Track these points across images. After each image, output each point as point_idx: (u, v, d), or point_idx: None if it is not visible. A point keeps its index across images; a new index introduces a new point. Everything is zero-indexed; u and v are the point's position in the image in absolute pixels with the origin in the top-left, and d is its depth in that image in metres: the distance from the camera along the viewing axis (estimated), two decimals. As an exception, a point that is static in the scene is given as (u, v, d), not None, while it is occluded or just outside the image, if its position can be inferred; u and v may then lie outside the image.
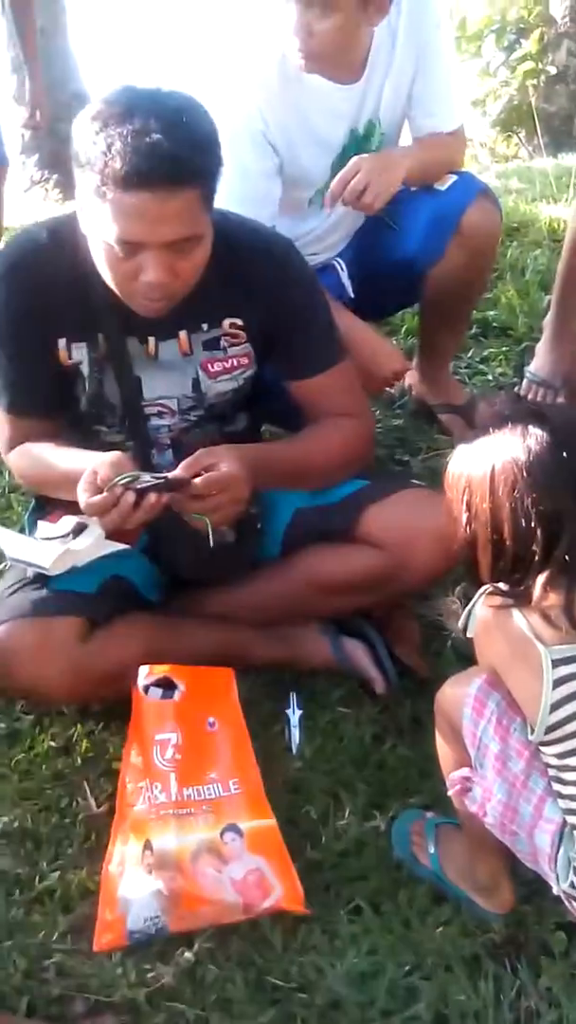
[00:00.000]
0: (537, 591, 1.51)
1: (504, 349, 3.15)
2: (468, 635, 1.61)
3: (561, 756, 1.53)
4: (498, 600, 1.55)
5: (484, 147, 7.68)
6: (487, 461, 1.52)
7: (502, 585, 1.55)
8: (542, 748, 1.56)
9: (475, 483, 1.53)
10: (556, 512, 1.48)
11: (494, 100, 7.76)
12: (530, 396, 2.87)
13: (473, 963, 1.72)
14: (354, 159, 2.35)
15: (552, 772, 1.56)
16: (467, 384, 3.03)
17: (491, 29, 8.04)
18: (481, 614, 1.58)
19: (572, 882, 1.56)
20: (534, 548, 1.49)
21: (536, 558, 1.49)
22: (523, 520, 1.48)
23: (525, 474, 1.48)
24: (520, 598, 1.53)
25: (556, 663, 1.49)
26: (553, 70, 7.50)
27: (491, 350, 3.15)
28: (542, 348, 2.92)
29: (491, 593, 1.57)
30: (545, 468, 1.48)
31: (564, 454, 1.48)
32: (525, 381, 2.92)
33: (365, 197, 2.31)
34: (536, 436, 1.50)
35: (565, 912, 1.67)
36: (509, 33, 7.97)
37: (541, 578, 1.51)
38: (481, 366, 3.11)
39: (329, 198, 2.36)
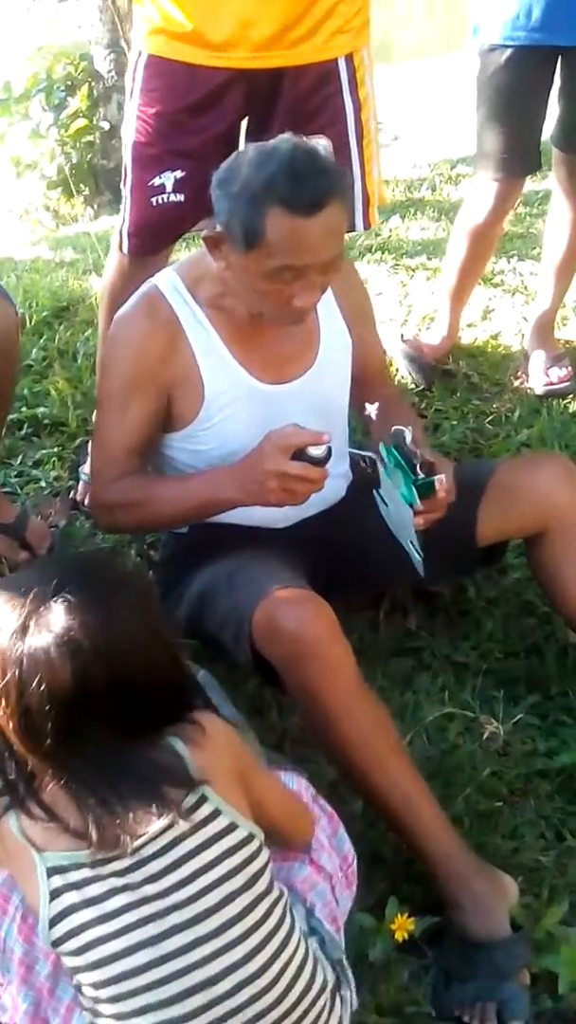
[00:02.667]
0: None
1: (58, 448, 2.87)
2: None
3: (73, 971, 1.32)
4: None
5: (48, 210, 7.45)
6: None
7: None
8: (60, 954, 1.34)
9: None
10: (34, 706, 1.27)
11: (50, 161, 7.54)
12: (87, 501, 2.65)
13: None
14: None
15: (74, 980, 1.35)
16: (19, 495, 2.73)
17: (39, 89, 7.83)
18: None
19: None
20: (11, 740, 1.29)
21: (13, 749, 1.30)
22: None
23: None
24: (17, 797, 1.32)
25: (50, 872, 1.29)
26: (107, 125, 7.39)
27: (44, 451, 2.85)
28: (95, 445, 2.70)
29: None
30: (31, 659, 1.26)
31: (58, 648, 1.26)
32: (81, 483, 2.70)
33: None
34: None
35: None
36: (58, 91, 7.79)
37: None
38: (34, 471, 2.81)
39: None
